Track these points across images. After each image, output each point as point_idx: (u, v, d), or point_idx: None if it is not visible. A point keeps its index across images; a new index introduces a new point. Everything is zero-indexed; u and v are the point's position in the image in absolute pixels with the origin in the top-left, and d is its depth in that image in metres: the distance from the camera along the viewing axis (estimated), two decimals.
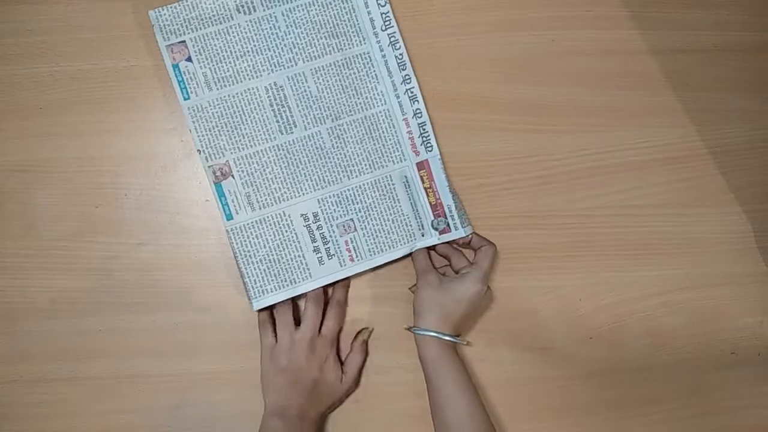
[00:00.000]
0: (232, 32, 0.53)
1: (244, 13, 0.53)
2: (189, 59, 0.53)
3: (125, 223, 0.55)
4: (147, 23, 0.53)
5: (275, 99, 0.54)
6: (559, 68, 0.58)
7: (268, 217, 0.53)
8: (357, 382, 0.55)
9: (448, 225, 0.55)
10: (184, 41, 0.53)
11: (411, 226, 0.55)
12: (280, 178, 0.54)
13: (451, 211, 0.55)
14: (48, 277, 0.55)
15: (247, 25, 0.53)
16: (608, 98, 0.58)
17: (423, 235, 0.55)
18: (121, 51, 0.56)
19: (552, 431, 0.56)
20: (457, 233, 0.55)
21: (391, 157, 0.55)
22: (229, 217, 0.53)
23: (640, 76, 0.59)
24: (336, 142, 0.54)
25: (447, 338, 0.51)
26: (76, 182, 0.55)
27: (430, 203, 0.55)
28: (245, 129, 0.53)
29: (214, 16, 0.53)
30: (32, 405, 0.54)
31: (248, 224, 0.53)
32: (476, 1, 0.58)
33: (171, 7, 0.53)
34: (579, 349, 0.57)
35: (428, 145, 0.55)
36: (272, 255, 0.53)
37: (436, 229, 0.55)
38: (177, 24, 0.53)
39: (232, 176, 0.53)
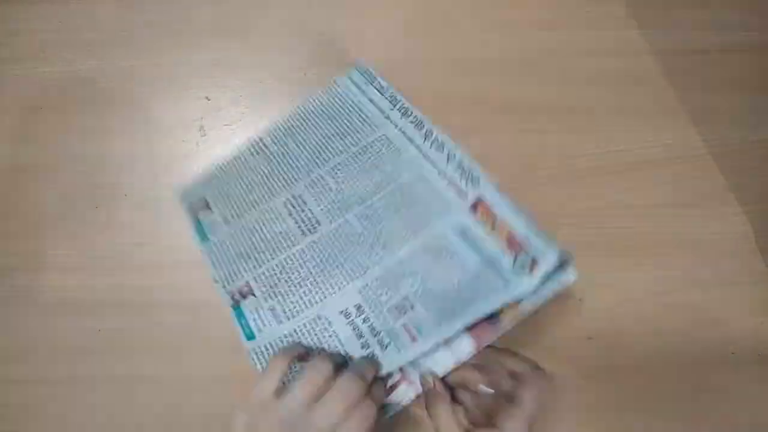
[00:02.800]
0: (246, 172, 0.54)
1: (256, 154, 0.55)
2: (207, 206, 0.54)
3: (125, 224, 0.55)
4: (146, 25, 0.53)
5: (294, 208, 0.51)
6: (559, 68, 0.58)
7: (299, 326, 0.48)
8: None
9: (534, 259, 0.40)
10: (205, 199, 0.54)
11: (487, 278, 0.43)
12: (309, 279, 0.48)
13: (529, 239, 0.41)
14: (48, 277, 0.55)
15: (261, 160, 0.54)
16: (608, 98, 0.58)
17: (507, 284, 0.41)
18: (121, 51, 0.56)
19: (552, 431, 0.56)
20: (547, 260, 0.39)
21: (436, 214, 0.47)
22: (251, 337, 0.49)
23: (640, 76, 0.59)
24: (367, 224, 0.49)
25: None
26: (75, 182, 0.55)
27: (502, 242, 0.43)
28: (264, 245, 0.51)
29: (229, 170, 0.55)
30: (32, 405, 0.54)
31: (275, 340, 0.48)
32: (476, 1, 0.58)
33: (194, 185, 0.55)
34: (579, 349, 0.57)
35: (474, 179, 0.45)
36: None
37: (523, 268, 0.41)
38: (197, 194, 0.55)
39: (253, 294, 0.50)
